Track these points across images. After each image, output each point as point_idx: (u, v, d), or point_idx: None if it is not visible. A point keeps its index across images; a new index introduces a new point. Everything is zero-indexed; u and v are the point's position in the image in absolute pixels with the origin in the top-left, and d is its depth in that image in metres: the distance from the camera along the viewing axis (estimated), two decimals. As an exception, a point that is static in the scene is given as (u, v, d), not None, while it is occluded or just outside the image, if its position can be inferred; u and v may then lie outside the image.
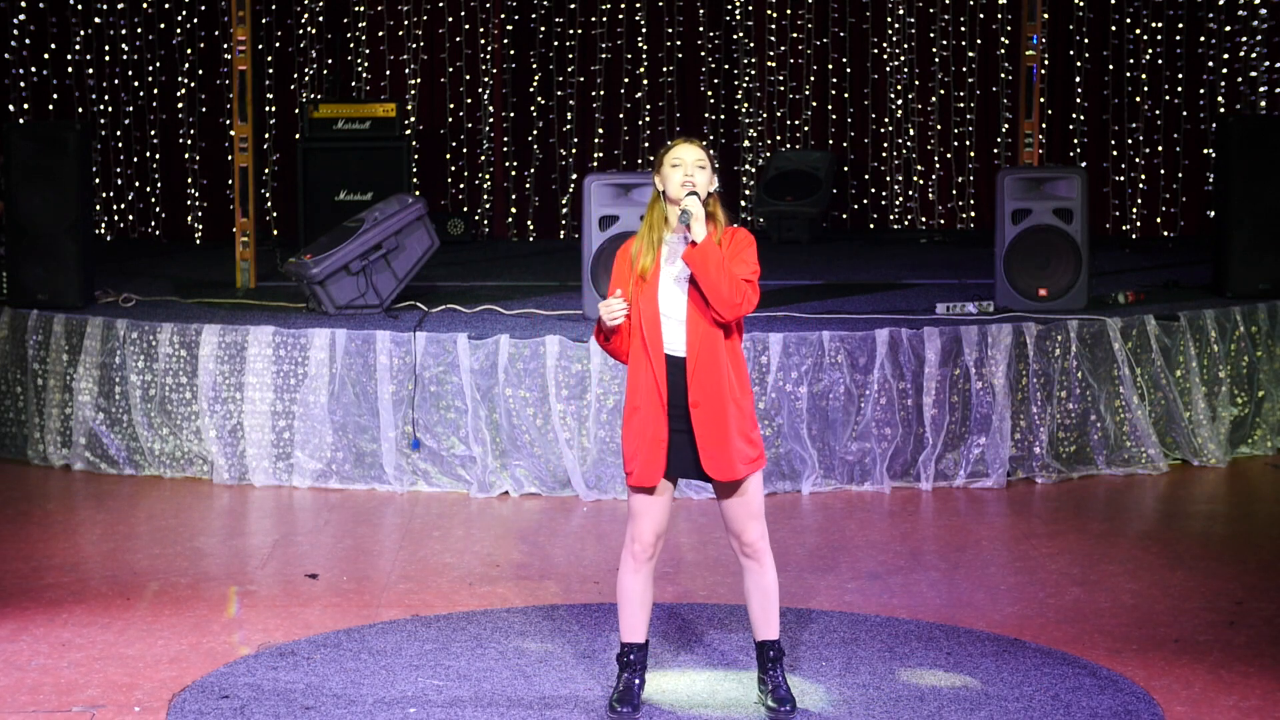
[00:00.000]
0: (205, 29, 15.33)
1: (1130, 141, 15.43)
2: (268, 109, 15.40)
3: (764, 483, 10.11)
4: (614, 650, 7.33)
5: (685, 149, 6.53)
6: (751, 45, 15.57)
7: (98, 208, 15.14)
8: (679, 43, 15.57)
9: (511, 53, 15.49)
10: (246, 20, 12.14)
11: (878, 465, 10.31)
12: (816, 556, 8.96)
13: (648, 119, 15.56)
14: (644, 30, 15.55)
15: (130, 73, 15.31)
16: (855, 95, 15.58)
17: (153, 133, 15.39)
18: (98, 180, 15.12)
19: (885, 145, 15.62)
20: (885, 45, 15.54)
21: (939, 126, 15.55)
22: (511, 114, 15.52)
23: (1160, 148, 15.41)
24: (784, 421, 10.21)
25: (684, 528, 9.53)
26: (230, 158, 14.85)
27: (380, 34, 15.47)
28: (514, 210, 15.60)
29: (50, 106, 15.24)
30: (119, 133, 15.36)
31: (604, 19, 15.51)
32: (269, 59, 15.38)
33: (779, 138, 15.64)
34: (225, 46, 15.20)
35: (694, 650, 7.41)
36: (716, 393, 6.48)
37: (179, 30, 15.31)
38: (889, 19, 15.52)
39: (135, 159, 15.42)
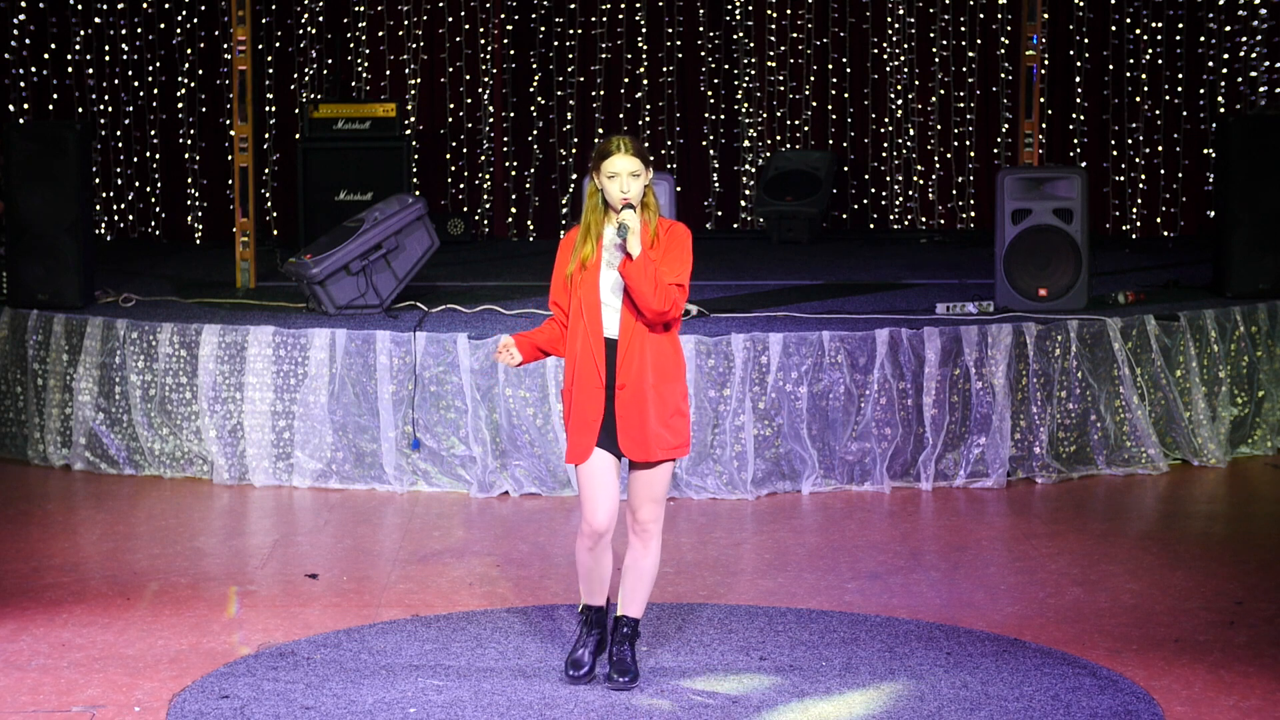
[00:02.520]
0: (205, 29, 15.33)
1: (1130, 141, 15.43)
2: (268, 109, 15.40)
3: (764, 483, 10.19)
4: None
5: (621, 160, 6.75)
6: (751, 45, 15.57)
7: (98, 208, 15.14)
8: (679, 43, 15.57)
9: (511, 53, 15.49)
10: (246, 20, 12.14)
11: (878, 465, 10.31)
12: (816, 556, 8.96)
13: (648, 119, 15.56)
14: (644, 30, 15.55)
15: (130, 73, 15.31)
16: (855, 95, 15.58)
17: (153, 133, 15.39)
18: (98, 180, 15.12)
19: (885, 145, 15.61)
20: (885, 45, 15.54)
21: (939, 126, 15.55)
22: (511, 114, 15.52)
23: (1160, 148, 15.41)
24: (784, 421, 10.21)
25: (684, 528, 9.53)
26: (230, 158, 14.85)
27: (380, 34, 15.47)
28: (514, 210, 15.60)
29: (50, 106, 15.24)
30: (119, 133, 15.36)
31: (604, 19, 15.51)
32: (269, 59, 15.38)
33: (779, 138, 15.64)
34: (225, 46, 15.20)
35: (693, 650, 7.41)
36: (640, 377, 6.77)
37: (179, 30, 15.31)
38: (889, 19, 15.51)
39: (135, 159, 15.42)
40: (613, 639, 7.03)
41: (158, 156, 15.42)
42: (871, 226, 15.64)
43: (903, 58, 15.54)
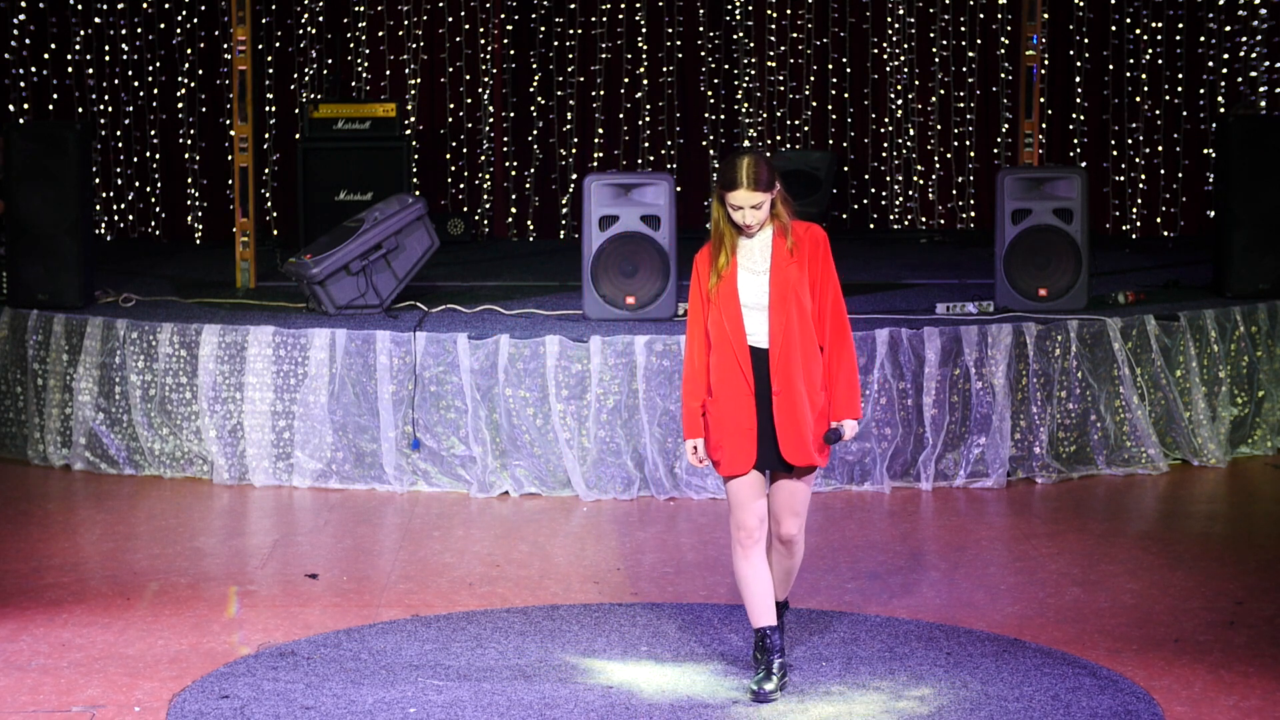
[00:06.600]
0: (205, 29, 15.33)
1: (1130, 141, 15.43)
2: (268, 109, 15.40)
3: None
4: (614, 649, 7.35)
5: (743, 195, 6.66)
6: (751, 45, 15.57)
7: (98, 208, 15.14)
8: (679, 43, 15.57)
9: (511, 53, 15.49)
10: (246, 20, 12.14)
11: (878, 465, 10.31)
12: (816, 556, 8.96)
13: (648, 119, 15.56)
14: (644, 30, 15.55)
15: (130, 73, 15.31)
16: (855, 95, 15.58)
17: (153, 133, 15.39)
18: (98, 180, 15.11)
19: (885, 145, 15.61)
20: (885, 45, 15.53)
21: (939, 126, 15.55)
22: (511, 114, 15.52)
23: (1160, 148, 15.41)
24: (784, 421, 10.20)
25: (684, 528, 9.53)
26: (230, 158, 14.85)
27: (380, 34, 15.47)
28: (514, 210, 15.60)
29: (50, 106, 15.23)
30: (119, 133, 15.36)
31: (604, 19, 15.51)
32: (269, 59, 15.38)
33: (779, 138, 15.64)
34: (225, 46, 15.20)
35: (694, 650, 7.42)
36: (794, 382, 6.70)
37: (179, 30, 15.31)
38: (889, 19, 15.51)
39: (135, 159, 15.42)
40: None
41: (158, 156, 15.42)
42: (871, 226, 15.64)
43: (903, 58, 15.54)
